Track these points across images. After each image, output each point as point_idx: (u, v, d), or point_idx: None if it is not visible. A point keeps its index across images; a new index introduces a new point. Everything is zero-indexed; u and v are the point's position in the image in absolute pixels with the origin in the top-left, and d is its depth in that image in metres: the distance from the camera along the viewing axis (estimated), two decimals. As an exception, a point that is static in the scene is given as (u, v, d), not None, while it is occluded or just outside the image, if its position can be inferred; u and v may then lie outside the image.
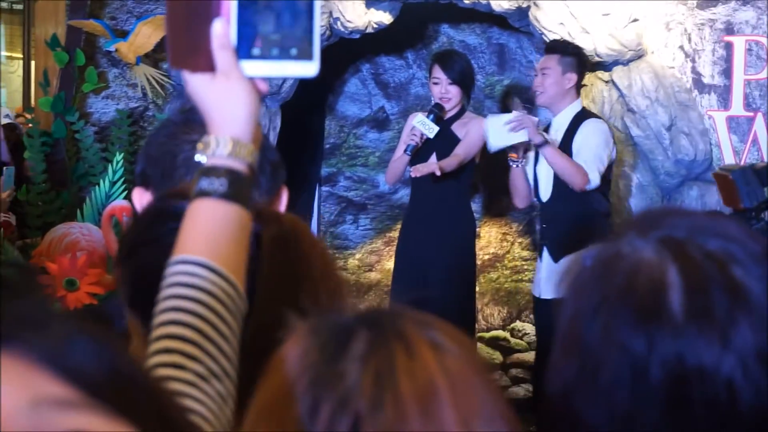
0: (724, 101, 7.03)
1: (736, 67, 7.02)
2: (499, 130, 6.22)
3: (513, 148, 6.28)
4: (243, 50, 1.60)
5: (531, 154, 6.46)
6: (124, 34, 6.96)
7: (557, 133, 6.35)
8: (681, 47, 7.07)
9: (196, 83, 1.64)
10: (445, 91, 6.55)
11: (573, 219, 6.08)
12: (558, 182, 6.27)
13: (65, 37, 6.93)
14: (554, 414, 1.32)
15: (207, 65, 1.61)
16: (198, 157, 1.64)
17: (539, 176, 6.42)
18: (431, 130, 6.45)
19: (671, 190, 7.05)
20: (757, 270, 1.23)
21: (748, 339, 1.20)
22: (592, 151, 6.21)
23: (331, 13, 7.08)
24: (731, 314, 1.20)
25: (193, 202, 1.61)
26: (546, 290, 6.23)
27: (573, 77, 6.36)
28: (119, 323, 1.88)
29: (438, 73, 6.58)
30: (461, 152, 6.52)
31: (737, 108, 7.02)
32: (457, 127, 6.63)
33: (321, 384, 1.05)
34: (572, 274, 1.34)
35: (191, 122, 2.16)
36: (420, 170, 6.34)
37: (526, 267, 8.46)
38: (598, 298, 1.27)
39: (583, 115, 6.41)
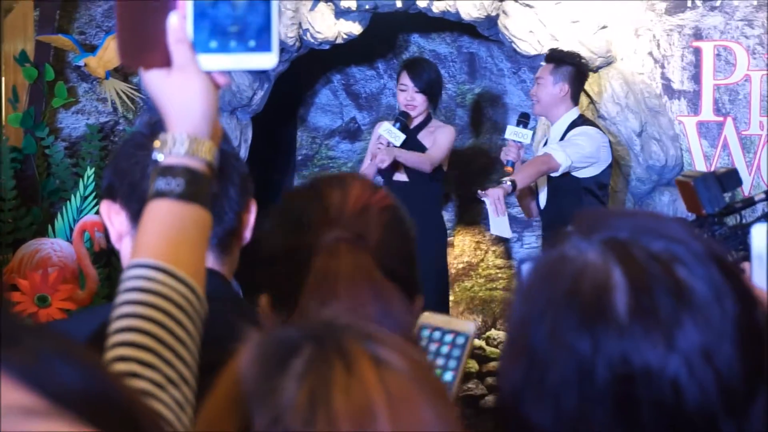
0: (694, 106, 7.06)
1: (705, 73, 7.05)
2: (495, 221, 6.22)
3: (510, 162, 6.25)
4: (200, 44, 1.57)
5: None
6: (93, 49, 6.95)
7: (553, 142, 6.34)
8: (650, 53, 7.09)
9: (152, 79, 1.60)
10: (411, 98, 6.54)
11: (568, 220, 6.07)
12: (551, 190, 6.30)
13: (34, 53, 6.91)
14: (504, 417, 1.32)
15: (162, 60, 1.58)
16: (155, 156, 1.60)
17: (538, 183, 6.41)
18: (397, 138, 6.43)
19: (643, 196, 7.08)
20: (701, 270, 1.23)
21: (693, 339, 1.20)
22: (571, 143, 6.22)
23: (300, 25, 7.08)
24: (676, 315, 1.20)
25: (150, 202, 1.57)
26: None
27: (565, 87, 6.34)
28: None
29: (405, 80, 6.57)
30: (433, 155, 6.49)
31: (707, 113, 7.05)
32: (423, 136, 6.62)
33: (256, 399, 1.04)
34: (519, 279, 1.34)
35: (158, 134, 2.13)
36: (381, 157, 6.33)
37: (500, 275, 8.47)
38: (544, 301, 1.27)
39: (579, 123, 6.41)
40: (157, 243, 1.55)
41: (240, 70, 1.60)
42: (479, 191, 6.08)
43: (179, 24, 1.57)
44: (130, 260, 1.57)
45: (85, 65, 6.95)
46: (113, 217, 2.12)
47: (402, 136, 6.44)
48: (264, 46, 1.57)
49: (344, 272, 1.65)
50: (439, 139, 6.57)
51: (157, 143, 1.60)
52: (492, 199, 5.95)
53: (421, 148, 6.56)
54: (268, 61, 1.57)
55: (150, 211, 1.57)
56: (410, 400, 1.08)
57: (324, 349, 1.09)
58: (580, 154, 6.18)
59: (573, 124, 6.36)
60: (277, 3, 1.58)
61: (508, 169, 6.22)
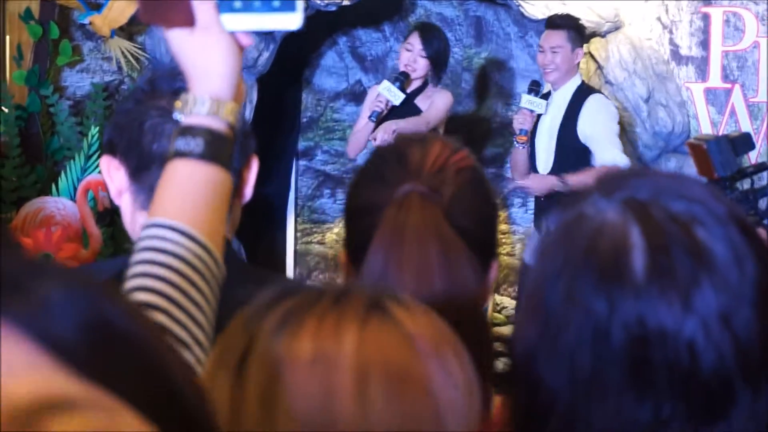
0: (702, 73, 7.03)
1: (713, 39, 7.02)
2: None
3: (523, 131, 6.24)
4: (224, 3, 1.55)
5: None
6: (98, 7, 6.91)
7: (558, 108, 6.32)
8: (658, 19, 7.05)
9: (174, 38, 1.58)
10: (414, 60, 6.44)
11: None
12: (559, 156, 6.26)
13: (39, 11, 6.88)
14: (516, 377, 1.30)
15: (185, 19, 1.55)
16: (176, 116, 1.59)
17: (538, 149, 6.38)
18: (397, 97, 6.35)
19: (650, 162, 7.05)
20: (721, 231, 1.22)
21: (710, 301, 1.18)
22: (609, 134, 6.23)
23: (307, -15, 7.04)
24: (694, 276, 1.19)
25: (170, 162, 1.56)
26: None
27: (580, 52, 6.37)
28: None
29: (414, 40, 6.46)
30: (430, 116, 6.43)
31: (715, 80, 7.02)
32: (420, 100, 6.54)
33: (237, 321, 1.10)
34: (538, 238, 1.32)
35: (159, 90, 2.11)
36: (381, 136, 6.26)
37: (503, 240, 8.46)
38: (561, 260, 1.25)
39: (585, 90, 6.40)
40: (174, 203, 1.54)
41: (264, 30, 1.58)
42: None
43: None
44: (147, 219, 1.56)
45: (90, 23, 6.92)
46: (113, 172, 2.12)
47: (401, 95, 6.36)
48: (288, 5, 1.55)
49: (412, 224, 1.66)
50: (436, 102, 6.50)
51: (178, 103, 1.59)
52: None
53: (416, 110, 6.49)
54: (292, 21, 1.56)
55: (169, 171, 1.56)
56: (388, 346, 1.09)
57: (321, 292, 1.12)
58: (618, 138, 6.26)
59: (579, 92, 6.35)
60: None
61: (522, 138, 6.20)
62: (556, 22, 6.40)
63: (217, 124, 1.56)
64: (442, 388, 1.10)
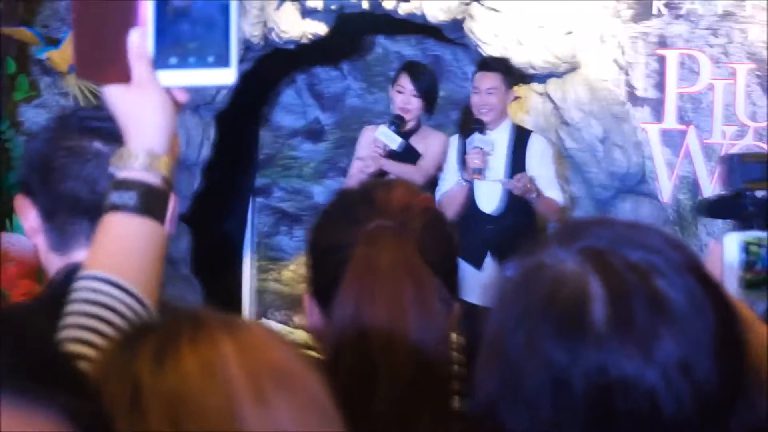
0: (657, 114, 7.08)
1: (669, 80, 7.07)
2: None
3: (479, 171, 6.26)
4: (160, 60, 1.56)
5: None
6: (56, 42, 6.89)
7: (499, 148, 6.36)
8: (615, 60, 7.10)
9: (110, 93, 1.59)
10: (407, 101, 6.42)
11: (524, 230, 6.10)
12: (510, 197, 6.29)
13: (-4, 45, 6.85)
14: (479, 423, 1.31)
15: (122, 76, 1.56)
16: (111, 169, 1.60)
17: (481, 190, 6.39)
18: (394, 141, 6.31)
19: (605, 203, 7.09)
20: (680, 281, 1.22)
21: (670, 351, 1.19)
22: (552, 173, 6.37)
23: (265, 23, 7.05)
24: (653, 326, 1.19)
25: (105, 215, 1.58)
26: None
27: (512, 94, 6.46)
28: None
29: (404, 82, 6.44)
30: (426, 166, 6.45)
31: (670, 121, 7.07)
32: (415, 141, 6.52)
33: (110, 364, 1.10)
34: (495, 285, 1.33)
35: (67, 128, 2.11)
36: (368, 166, 6.25)
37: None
38: (521, 309, 1.25)
39: (522, 131, 6.51)
40: (107, 255, 1.56)
41: (200, 86, 1.59)
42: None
43: (140, 40, 1.55)
44: (81, 271, 1.57)
45: (48, 59, 6.89)
46: (26, 212, 2.11)
47: (399, 140, 6.31)
48: (223, 61, 1.55)
49: (385, 259, 1.68)
50: (431, 148, 6.50)
51: (114, 158, 1.60)
52: (525, 182, 6.12)
53: (413, 152, 6.48)
54: (227, 76, 1.56)
55: (104, 223, 1.58)
56: (262, 347, 1.12)
57: (176, 319, 1.14)
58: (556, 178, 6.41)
59: (516, 133, 6.46)
60: (237, 19, 1.56)
61: (477, 176, 6.22)
62: (490, 64, 6.49)
63: (152, 178, 1.57)
64: (315, 382, 1.14)
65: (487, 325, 1.31)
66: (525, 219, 6.22)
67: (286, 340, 1.18)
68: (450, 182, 6.45)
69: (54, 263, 2.07)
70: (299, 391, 1.11)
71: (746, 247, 1.85)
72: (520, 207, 6.21)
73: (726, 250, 1.84)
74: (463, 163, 6.33)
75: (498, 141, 6.37)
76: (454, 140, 6.59)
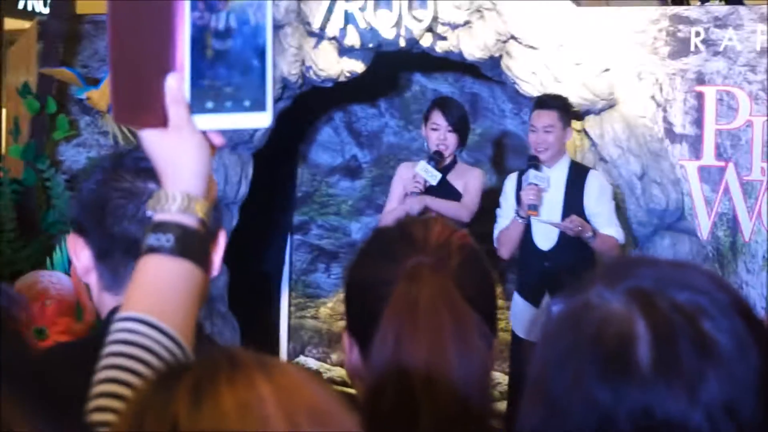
0: (696, 151, 7.06)
1: (707, 117, 7.05)
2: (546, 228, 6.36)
3: (535, 207, 6.27)
4: (196, 104, 1.58)
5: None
6: (96, 82, 6.95)
7: (556, 185, 6.37)
8: (652, 97, 7.10)
9: (147, 137, 1.61)
10: (444, 138, 6.43)
11: (581, 266, 6.08)
12: (564, 233, 6.26)
13: (37, 85, 6.91)
14: None
15: (159, 120, 1.58)
16: (149, 213, 1.62)
17: (537, 227, 6.41)
18: (434, 177, 6.33)
19: (643, 240, 7.06)
20: (726, 322, 1.22)
21: (715, 393, 1.18)
22: (610, 211, 6.38)
23: (303, 62, 7.09)
24: (699, 368, 1.19)
25: (142, 257, 1.59)
26: None
27: (570, 131, 6.47)
28: None
29: (438, 119, 6.45)
30: (470, 204, 6.46)
31: (708, 158, 7.05)
32: (453, 178, 6.53)
33: (147, 402, 1.11)
34: (542, 322, 1.33)
35: (121, 168, 2.13)
36: (413, 207, 6.25)
37: (500, 316, 8.42)
38: (567, 347, 1.25)
39: (579, 168, 6.52)
40: (145, 297, 1.58)
41: (235, 129, 1.60)
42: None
43: (177, 84, 1.57)
44: (119, 313, 1.59)
45: (88, 98, 6.95)
46: (79, 251, 2.14)
47: (438, 175, 6.33)
48: (259, 105, 1.57)
49: (425, 295, 1.68)
50: (471, 185, 6.51)
51: (151, 201, 1.62)
52: (577, 224, 6.12)
53: (452, 189, 6.49)
54: (262, 120, 1.58)
55: (141, 265, 1.60)
56: (299, 387, 1.12)
57: (213, 359, 1.14)
58: (615, 215, 6.42)
59: (574, 170, 6.45)
60: (273, 63, 1.57)
61: (532, 212, 6.22)
62: (547, 102, 6.46)
63: (189, 220, 1.59)
64: (350, 422, 1.14)
65: (533, 361, 1.31)
66: (583, 256, 6.19)
67: (321, 380, 1.18)
68: (507, 219, 6.46)
69: (107, 303, 2.09)
70: (335, 431, 1.11)
71: None
72: (578, 244, 6.19)
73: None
74: (519, 200, 6.34)
75: (555, 178, 6.38)
76: (513, 178, 6.61)
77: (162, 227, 1.59)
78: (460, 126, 6.47)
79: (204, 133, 1.60)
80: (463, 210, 6.35)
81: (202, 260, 1.61)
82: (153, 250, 1.58)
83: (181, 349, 1.55)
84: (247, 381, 1.10)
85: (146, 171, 2.05)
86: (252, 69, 1.57)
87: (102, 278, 2.10)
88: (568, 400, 1.23)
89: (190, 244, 1.59)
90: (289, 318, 8.56)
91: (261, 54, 1.56)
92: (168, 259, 1.57)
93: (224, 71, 1.57)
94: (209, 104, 1.58)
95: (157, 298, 1.57)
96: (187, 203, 1.59)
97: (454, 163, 6.57)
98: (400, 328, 1.67)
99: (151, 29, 1.59)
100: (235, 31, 1.57)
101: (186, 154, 1.59)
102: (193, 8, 1.57)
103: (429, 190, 6.37)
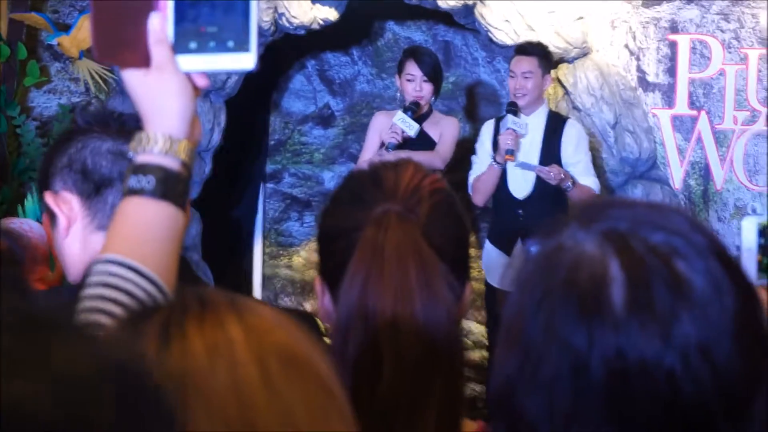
0: (669, 99, 7.08)
1: (680, 66, 7.06)
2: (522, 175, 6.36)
3: (511, 153, 6.27)
4: (179, 44, 1.56)
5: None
6: (66, 28, 6.89)
7: (534, 133, 6.41)
8: (626, 45, 7.10)
9: (129, 77, 1.60)
10: (419, 88, 6.44)
11: (555, 215, 6.09)
12: (540, 181, 6.30)
13: (6, 31, 6.84)
14: (495, 407, 1.30)
15: (141, 60, 1.57)
16: (130, 154, 1.60)
17: (513, 175, 6.43)
18: (411, 127, 6.32)
19: (616, 188, 7.08)
20: (701, 264, 1.21)
21: (690, 334, 1.18)
22: (587, 161, 6.44)
23: (276, 9, 7.04)
24: (673, 309, 1.18)
25: (123, 200, 1.58)
26: None
27: (549, 78, 6.51)
28: None
29: (413, 69, 6.46)
30: (443, 152, 6.45)
31: (681, 106, 7.06)
32: (428, 127, 6.53)
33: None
34: (516, 267, 1.32)
35: (107, 131, 2.25)
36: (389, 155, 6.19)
37: (472, 264, 8.44)
38: (540, 292, 1.25)
39: (558, 117, 6.57)
40: (125, 240, 1.57)
41: (219, 70, 1.59)
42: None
43: (160, 25, 1.56)
44: (98, 255, 1.58)
45: (59, 44, 6.90)
46: (61, 204, 2.22)
47: (416, 126, 6.32)
48: (243, 46, 1.55)
49: (392, 242, 1.68)
50: (446, 134, 6.52)
51: (132, 142, 1.60)
52: (556, 171, 6.17)
53: (428, 139, 6.49)
54: (247, 61, 1.56)
55: (122, 208, 1.59)
56: (270, 329, 1.12)
57: (183, 299, 1.14)
58: (591, 164, 6.47)
59: (552, 118, 6.49)
60: (257, 3, 1.56)
61: (509, 157, 6.23)
62: (527, 48, 6.48)
63: (170, 162, 1.57)
64: (319, 360, 1.14)
65: (506, 308, 1.30)
66: (557, 205, 6.21)
67: (293, 322, 1.17)
68: (483, 166, 6.47)
69: (97, 244, 2.11)
70: (306, 374, 1.11)
71: (763, 231, 1.85)
72: (552, 193, 6.21)
73: (743, 234, 1.84)
74: (496, 146, 6.34)
75: (533, 126, 6.42)
76: (490, 124, 6.64)
77: (143, 169, 1.57)
78: (435, 75, 6.48)
79: (187, 74, 1.59)
80: (436, 158, 6.33)
81: (184, 203, 1.60)
82: (134, 192, 1.57)
83: (162, 293, 1.54)
84: (216, 322, 1.10)
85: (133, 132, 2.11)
86: (235, 9, 1.55)
87: (94, 219, 2.13)
88: (542, 346, 1.22)
89: (172, 187, 1.57)
90: (263, 267, 8.55)
91: None
92: (149, 201, 1.56)
93: (208, 11, 1.55)
94: (192, 45, 1.56)
95: (138, 240, 1.55)
96: (169, 145, 1.57)
97: (429, 112, 6.57)
98: (366, 274, 1.67)
99: None
100: None
101: (168, 95, 1.58)
102: None
103: (405, 140, 6.36)
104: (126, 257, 1.53)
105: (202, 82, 1.61)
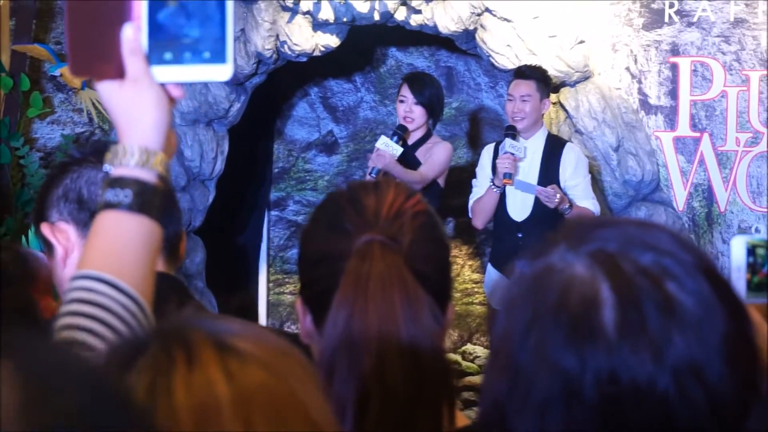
0: (671, 122, 7.07)
1: (682, 88, 7.06)
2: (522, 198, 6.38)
3: (508, 174, 6.26)
4: (154, 55, 1.55)
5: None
6: (69, 59, 6.90)
7: (533, 157, 6.41)
8: (627, 68, 7.10)
9: (104, 90, 1.58)
10: (409, 110, 6.42)
11: None
12: (538, 204, 6.30)
13: (9, 63, 6.87)
14: (486, 429, 1.30)
15: (115, 72, 1.55)
16: (105, 167, 1.59)
17: (512, 198, 6.43)
18: (395, 150, 6.29)
19: (619, 211, 7.07)
20: (691, 284, 1.21)
21: (682, 355, 1.17)
22: (586, 184, 6.43)
23: (277, 36, 7.05)
24: (665, 330, 1.18)
25: (99, 214, 1.57)
26: None
27: (547, 102, 6.51)
28: None
29: (405, 92, 6.46)
30: (425, 172, 6.39)
31: (684, 128, 7.06)
32: (421, 153, 6.51)
33: None
34: (505, 288, 1.32)
35: (85, 153, 2.31)
36: (373, 166, 6.22)
37: (476, 290, 8.45)
38: (530, 314, 1.24)
39: (556, 141, 6.56)
40: (102, 254, 1.55)
41: (194, 81, 1.58)
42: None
43: (134, 35, 1.55)
44: (75, 271, 1.57)
45: (61, 75, 6.91)
46: (58, 234, 2.23)
47: (399, 149, 6.30)
48: (219, 57, 1.54)
49: (376, 274, 1.67)
50: (434, 156, 6.47)
51: (108, 155, 1.58)
52: (553, 194, 6.14)
53: (415, 162, 6.46)
54: (223, 72, 1.54)
55: (98, 222, 1.57)
56: (259, 385, 1.10)
57: (168, 344, 1.11)
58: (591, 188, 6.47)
59: (550, 142, 6.49)
60: (233, 13, 1.54)
61: (507, 181, 6.23)
62: (525, 72, 6.48)
63: (147, 175, 1.56)
64: (309, 400, 1.13)
65: (496, 329, 1.30)
66: (556, 227, 6.18)
67: (290, 355, 1.17)
68: (482, 189, 6.47)
69: None
70: (294, 424, 1.11)
71: (752, 250, 1.85)
72: (551, 216, 6.20)
73: (732, 252, 1.84)
74: (495, 170, 6.34)
75: (531, 150, 6.42)
76: (490, 148, 6.64)
77: (120, 182, 1.55)
78: (429, 100, 6.44)
79: (163, 85, 1.57)
80: (416, 176, 6.27)
81: (160, 216, 1.58)
82: (111, 205, 1.55)
83: (140, 307, 1.53)
84: (203, 380, 1.08)
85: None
86: (211, 19, 1.53)
87: None
88: (532, 369, 1.21)
89: (149, 200, 1.56)
90: (268, 294, 8.54)
91: (220, 4, 1.53)
92: (126, 215, 1.54)
93: (183, 21, 1.54)
94: (167, 55, 1.55)
95: (115, 255, 1.54)
96: (145, 158, 1.55)
97: (428, 137, 6.56)
98: (351, 307, 1.66)
99: None
100: None
101: (144, 107, 1.56)
102: None
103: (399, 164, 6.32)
104: (103, 272, 1.52)
105: (177, 93, 1.59)
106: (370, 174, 6.26)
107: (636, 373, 1.17)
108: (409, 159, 6.43)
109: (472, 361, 8.09)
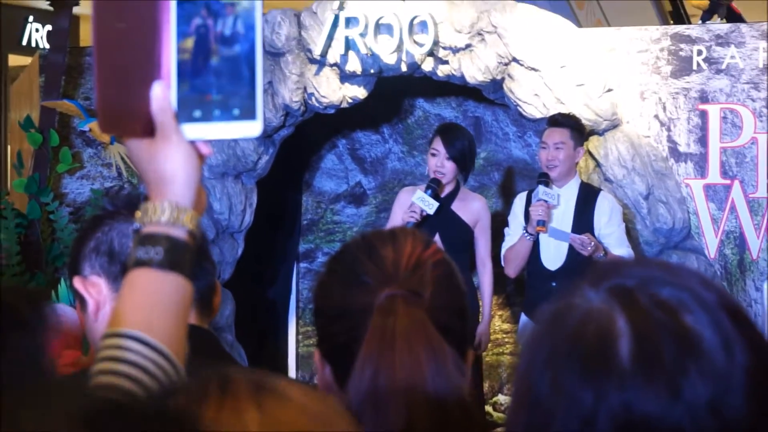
0: (701, 169, 7.04)
1: (711, 135, 7.04)
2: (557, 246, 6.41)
3: (541, 222, 6.27)
4: (183, 113, 1.54)
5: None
6: (97, 114, 6.95)
7: (566, 205, 6.41)
8: (656, 116, 7.08)
9: (134, 147, 1.57)
10: (440, 165, 6.42)
11: None
12: (572, 253, 6.30)
13: (39, 119, 6.92)
14: None
15: (145, 129, 1.54)
16: (135, 225, 1.58)
17: (545, 246, 6.42)
18: (431, 206, 6.31)
19: (650, 259, 7.03)
20: (709, 317, 1.19)
21: (698, 389, 1.15)
22: (621, 232, 6.42)
23: (305, 89, 7.08)
24: (681, 363, 1.16)
25: (130, 271, 1.55)
26: None
27: (581, 151, 6.49)
28: None
29: (437, 145, 6.45)
30: (484, 249, 6.68)
31: (714, 176, 7.03)
32: (457, 207, 6.55)
33: None
34: (530, 328, 1.31)
35: (117, 207, 2.31)
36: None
37: (507, 340, 8.41)
38: (548, 349, 1.23)
39: (590, 189, 6.55)
40: (133, 312, 1.54)
41: (224, 138, 1.57)
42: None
43: (163, 93, 1.53)
44: (107, 327, 1.55)
45: (90, 130, 6.96)
46: (89, 288, 2.24)
47: (435, 204, 6.32)
48: (249, 114, 1.52)
49: (401, 330, 1.67)
50: (483, 221, 6.65)
51: (138, 213, 1.58)
52: (588, 242, 6.14)
53: (456, 219, 6.51)
54: (253, 129, 1.53)
55: (129, 279, 1.56)
56: (289, 419, 1.10)
57: (204, 381, 1.13)
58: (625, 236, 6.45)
59: (584, 190, 6.47)
60: (262, 70, 1.54)
61: (541, 228, 6.22)
62: (559, 120, 6.48)
63: (178, 232, 1.55)
64: None
65: (519, 366, 1.29)
66: None
67: (325, 404, 1.16)
68: (515, 238, 6.46)
69: None
70: None
71: None
72: (585, 264, 6.16)
73: (765, 296, 1.82)
74: (528, 217, 6.34)
75: (565, 198, 6.41)
76: (522, 196, 6.65)
77: (150, 240, 1.54)
78: (460, 155, 6.45)
79: (192, 142, 1.56)
80: (488, 263, 6.68)
81: (191, 273, 1.57)
82: (142, 263, 1.54)
83: (172, 365, 1.52)
84: (234, 409, 1.08)
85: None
86: (241, 76, 1.52)
87: None
88: (550, 402, 1.21)
89: (180, 257, 1.55)
90: (297, 347, 8.53)
91: (250, 61, 1.52)
92: (157, 272, 1.53)
93: (212, 79, 1.53)
94: (197, 113, 1.54)
95: (147, 313, 1.53)
96: (176, 215, 1.54)
97: (457, 190, 6.56)
98: (377, 363, 1.65)
99: (137, 36, 1.55)
100: (237, 36, 1.53)
101: (173, 164, 1.55)
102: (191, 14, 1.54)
103: (429, 218, 6.35)
104: (136, 330, 1.51)
105: (206, 150, 1.59)
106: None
107: (649, 406, 1.15)
108: (445, 215, 6.45)
109: (502, 411, 8.03)
